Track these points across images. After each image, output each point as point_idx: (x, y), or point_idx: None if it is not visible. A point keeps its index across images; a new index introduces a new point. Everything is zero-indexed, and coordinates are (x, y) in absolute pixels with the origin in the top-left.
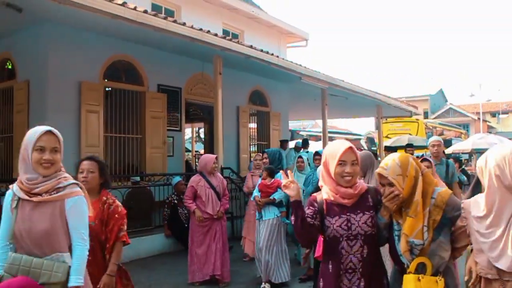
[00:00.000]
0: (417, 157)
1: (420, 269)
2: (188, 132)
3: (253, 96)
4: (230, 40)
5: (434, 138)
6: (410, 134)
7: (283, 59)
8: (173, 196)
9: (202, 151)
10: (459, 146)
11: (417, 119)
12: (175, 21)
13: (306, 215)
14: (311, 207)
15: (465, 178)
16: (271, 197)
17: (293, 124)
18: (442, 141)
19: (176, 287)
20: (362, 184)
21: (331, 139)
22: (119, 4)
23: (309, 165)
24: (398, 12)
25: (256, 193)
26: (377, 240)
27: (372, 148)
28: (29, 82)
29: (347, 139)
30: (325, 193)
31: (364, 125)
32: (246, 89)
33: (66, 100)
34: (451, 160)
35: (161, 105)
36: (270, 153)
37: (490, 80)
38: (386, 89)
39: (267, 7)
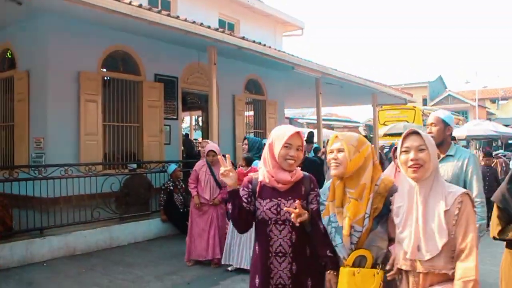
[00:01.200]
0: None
1: (358, 263)
2: (187, 120)
3: (249, 85)
4: (223, 32)
5: (431, 115)
6: (407, 121)
7: (275, 49)
8: (169, 182)
9: (200, 139)
10: (454, 133)
11: (414, 107)
12: (168, 15)
13: (242, 201)
14: (245, 189)
15: None
16: None
17: (292, 112)
18: (442, 119)
19: (171, 266)
20: (299, 171)
21: (329, 127)
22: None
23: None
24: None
25: None
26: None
27: (371, 136)
28: (29, 72)
29: (345, 126)
30: (261, 175)
31: (364, 113)
32: (241, 78)
33: (65, 90)
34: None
35: (158, 94)
36: (250, 140)
37: (488, 67)
38: (385, 76)
39: None
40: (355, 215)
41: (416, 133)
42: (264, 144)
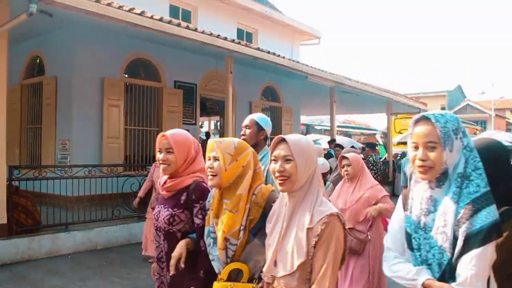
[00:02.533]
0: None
1: (235, 277)
2: (206, 124)
3: (265, 92)
4: (239, 43)
5: (247, 117)
6: None
7: (289, 59)
8: None
9: None
10: None
11: None
12: (187, 27)
13: None
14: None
15: None
16: None
17: (309, 118)
18: (256, 122)
19: None
20: (186, 179)
21: (347, 134)
22: (138, 14)
23: None
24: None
25: None
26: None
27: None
28: (57, 78)
29: (362, 133)
30: None
31: (381, 121)
32: (258, 85)
33: (90, 95)
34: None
35: (178, 100)
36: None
37: (506, 77)
38: (403, 84)
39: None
40: (230, 228)
41: (284, 141)
42: None
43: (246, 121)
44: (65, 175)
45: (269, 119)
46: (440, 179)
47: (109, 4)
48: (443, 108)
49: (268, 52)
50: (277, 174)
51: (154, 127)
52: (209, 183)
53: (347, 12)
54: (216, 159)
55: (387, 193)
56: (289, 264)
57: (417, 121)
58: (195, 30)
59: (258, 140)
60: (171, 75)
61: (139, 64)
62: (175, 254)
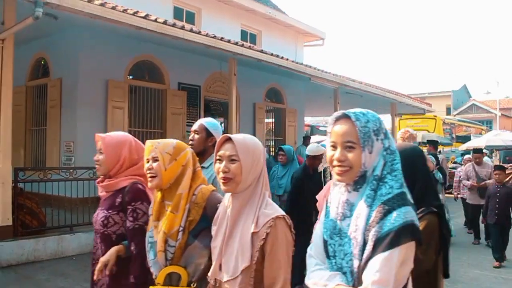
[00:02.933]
0: None
1: (175, 280)
2: None
3: (269, 93)
4: (242, 45)
5: (196, 122)
6: (427, 131)
7: (292, 61)
8: None
9: None
10: (473, 143)
11: (435, 116)
12: (191, 30)
13: None
14: None
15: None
16: None
17: (315, 119)
18: (205, 127)
19: None
20: (122, 180)
21: None
22: (142, 17)
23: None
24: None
25: None
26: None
27: None
28: (62, 80)
29: None
30: None
31: (387, 121)
32: (262, 87)
33: (94, 97)
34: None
35: (181, 102)
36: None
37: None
38: (408, 84)
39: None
40: (170, 229)
41: (230, 140)
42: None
43: (195, 126)
44: (70, 177)
45: (219, 124)
46: (358, 182)
47: (113, 8)
48: (448, 108)
49: (271, 54)
50: (221, 175)
51: (158, 128)
52: (149, 185)
53: (352, 12)
54: (155, 160)
55: None
56: (232, 268)
57: (337, 119)
58: (199, 33)
59: (206, 146)
60: (175, 77)
61: (143, 66)
62: (102, 259)
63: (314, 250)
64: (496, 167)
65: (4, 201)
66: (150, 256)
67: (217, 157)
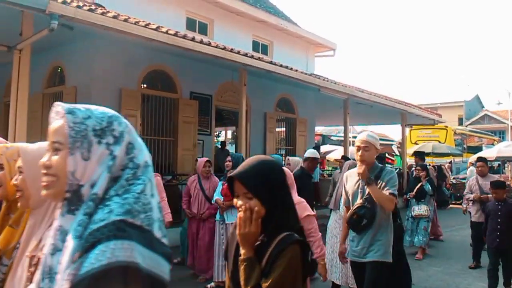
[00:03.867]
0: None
1: None
2: (223, 134)
3: (280, 103)
4: (252, 57)
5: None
6: (439, 141)
7: (302, 72)
8: None
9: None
10: (484, 154)
11: (446, 126)
12: (201, 41)
13: None
14: None
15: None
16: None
17: (327, 129)
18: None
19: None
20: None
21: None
22: (153, 29)
23: None
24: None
25: (217, 196)
26: None
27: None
28: (77, 88)
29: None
30: None
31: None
32: (273, 97)
33: (107, 105)
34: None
35: (193, 111)
36: (233, 156)
37: None
38: (420, 94)
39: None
40: (6, 245)
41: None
42: (244, 159)
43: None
44: None
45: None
46: (72, 201)
47: (125, 20)
48: (460, 119)
49: (281, 65)
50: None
51: (170, 137)
52: None
53: (364, 22)
54: (1, 167)
55: (312, 213)
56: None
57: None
58: (209, 44)
59: None
60: (187, 86)
61: (156, 75)
62: None
63: None
64: (494, 185)
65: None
66: None
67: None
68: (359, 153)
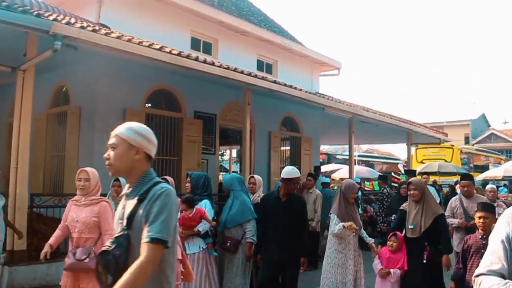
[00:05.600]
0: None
1: None
2: (228, 153)
3: (285, 122)
4: (255, 76)
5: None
6: (445, 160)
7: (306, 91)
8: None
9: (238, 172)
10: (490, 173)
11: (452, 145)
12: (205, 61)
13: None
14: None
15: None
16: (195, 229)
17: (331, 147)
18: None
19: None
20: None
21: (368, 163)
22: (157, 49)
23: None
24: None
25: None
26: None
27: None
28: (81, 108)
29: (385, 163)
30: None
31: (404, 150)
32: (278, 115)
33: (112, 125)
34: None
35: (197, 130)
36: (193, 177)
37: None
38: (427, 113)
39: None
40: None
41: None
42: (209, 179)
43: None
44: None
45: None
46: None
47: (129, 40)
48: (466, 137)
49: (285, 85)
50: None
51: (174, 156)
52: None
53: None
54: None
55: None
56: None
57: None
58: (213, 63)
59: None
60: (191, 105)
61: (160, 95)
62: None
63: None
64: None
65: (19, 225)
66: None
67: None
68: None
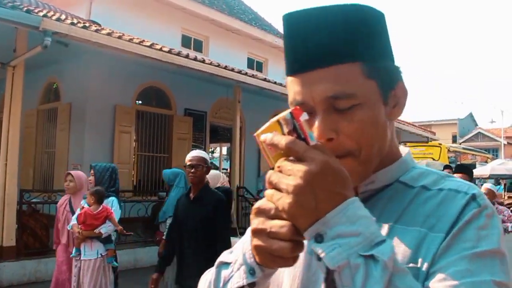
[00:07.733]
0: None
1: None
2: (218, 150)
3: None
4: (245, 74)
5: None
6: (432, 158)
7: None
8: None
9: (228, 169)
10: (477, 171)
11: (440, 144)
12: (195, 58)
13: None
14: None
15: None
16: (97, 231)
17: None
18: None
19: None
20: None
21: None
22: (147, 46)
23: None
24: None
25: (75, 221)
26: None
27: None
28: (71, 104)
29: None
30: None
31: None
32: (268, 113)
33: (102, 121)
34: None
35: (187, 127)
36: (97, 169)
37: None
38: (415, 112)
39: None
40: None
41: None
42: (116, 171)
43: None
44: None
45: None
46: None
47: (119, 37)
48: (454, 136)
49: (275, 83)
50: None
51: (164, 153)
52: None
53: None
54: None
55: None
56: None
57: None
58: (203, 61)
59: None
60: (182, 102)
61: (150, 92)
62: None
63: None
64: None
65: (8, 222)
66: None
67: None
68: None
